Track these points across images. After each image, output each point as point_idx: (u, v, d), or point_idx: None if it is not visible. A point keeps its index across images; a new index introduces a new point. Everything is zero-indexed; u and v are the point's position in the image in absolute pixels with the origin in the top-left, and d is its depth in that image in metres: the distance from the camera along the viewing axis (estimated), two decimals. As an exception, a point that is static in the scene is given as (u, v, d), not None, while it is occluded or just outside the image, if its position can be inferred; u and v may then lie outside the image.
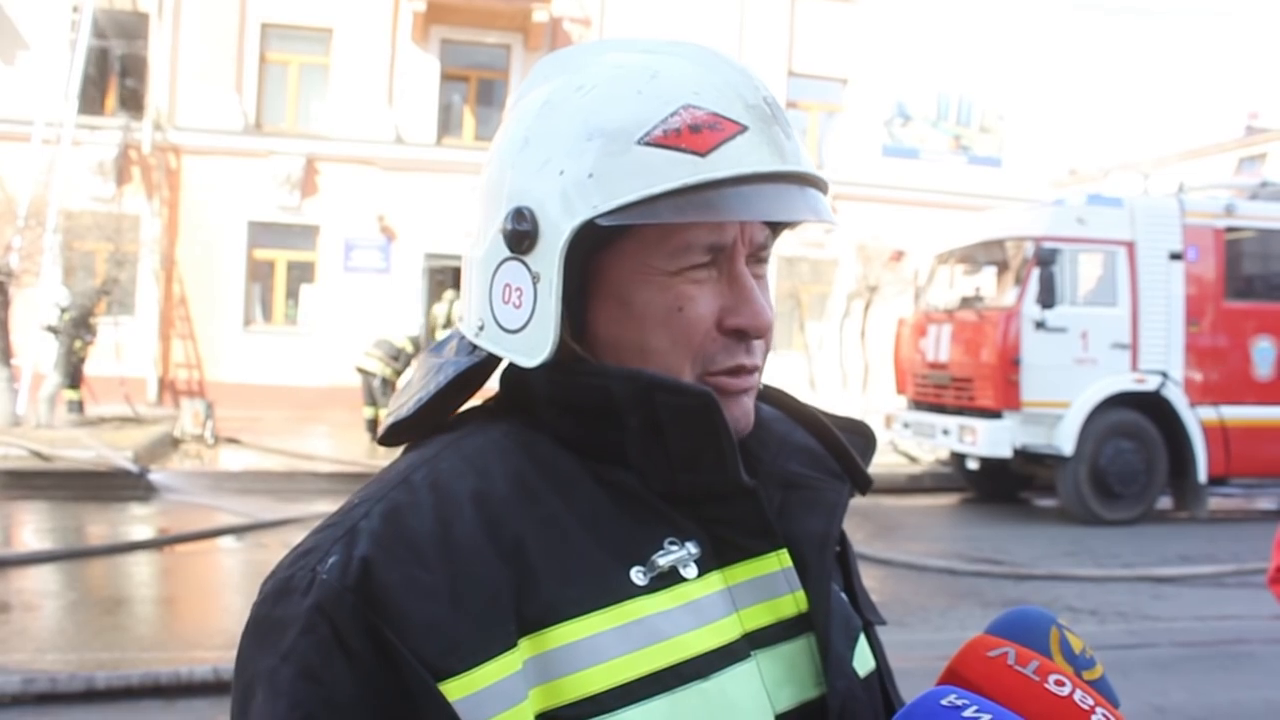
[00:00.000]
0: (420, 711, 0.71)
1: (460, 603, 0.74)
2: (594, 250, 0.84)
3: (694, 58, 0.86)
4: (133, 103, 17.90)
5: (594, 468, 0.85)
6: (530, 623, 0.76)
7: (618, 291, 0.85)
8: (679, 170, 0.80)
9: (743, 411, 0.88)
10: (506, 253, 0.85)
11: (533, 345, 0.84)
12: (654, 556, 0.81)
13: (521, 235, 0.83)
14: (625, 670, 0.76)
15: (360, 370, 14.27)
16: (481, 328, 0.89)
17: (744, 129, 0.82)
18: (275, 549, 8.19)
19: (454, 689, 0.72)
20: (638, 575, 0.80)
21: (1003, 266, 11.90)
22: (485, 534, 0.77)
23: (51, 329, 13.63)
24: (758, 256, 0.89)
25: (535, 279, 0.83)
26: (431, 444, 0.86)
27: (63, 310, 13.67)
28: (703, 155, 0.80)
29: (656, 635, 0.78)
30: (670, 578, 0.81)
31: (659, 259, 0.84)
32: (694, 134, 0.80)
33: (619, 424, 0.84)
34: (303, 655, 0.72)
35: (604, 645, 0.76)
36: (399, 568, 0.74)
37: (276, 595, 0.76)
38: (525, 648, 0.75)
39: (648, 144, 0.80)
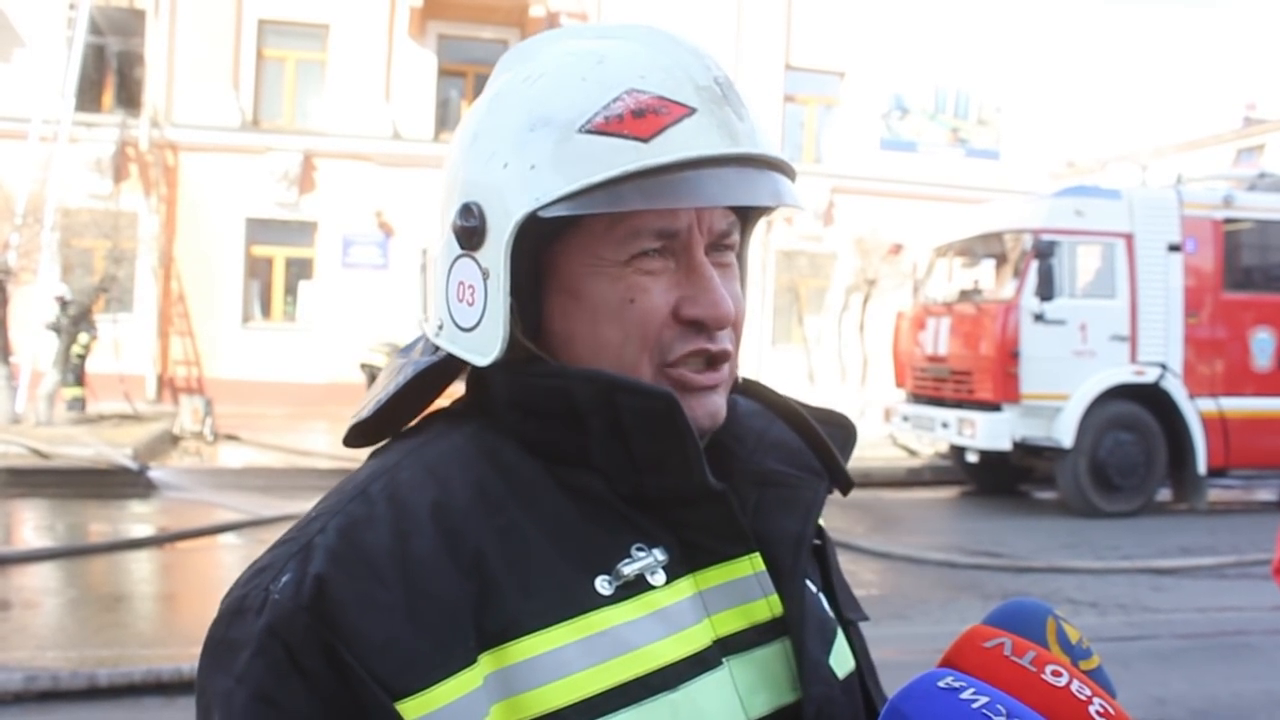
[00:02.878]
0: None
1: (418, 619, 0.72)
2: (544, 243, 0.82)
3: (645, 40, 0.84)
4: (130, 100, 17.89)
5: (558, 472, 0.82)
6: (491, 637, 0.73)
7: (569, 285, 0.83)
8: (620, 157, 0.77)
9: (710, 409, 0.85)
10: (459, 250, 0.84)
11: (484, 343, 0.83)
12: (620, 565, 0.79)
13: (470, 231, 0.82)
14: (590, 684, 0.74)
15: (366, 366, 14.27)
16: (441, 327, 0.87)
17: (691, 111, 0.79)
18: (275, 545, 8.19)
19: (412, 708, 0.70)
20: (603, 585, 0.78)
21: (1001, 259, 11.91)
22: (444, 547, 0.75)
23: (53, 326, 13.63)
24: (721, 245, 0.86)
25: (485, 275, 0.82)
26: (393, 450, 0.84)
27: (65, 304, 13.68)
28: (645, 141, 0.77)
29: (623, 646, 0.76)
30: (637, 586, 0.79)
31: (608, 249, 0.82)
32: (637, 119, 0.78)
33: (582, 427, 0.82)
34: (257, 678, 0.70)
35: (567, 658, 0.74)
36: (354, 585, 0.72)
37: (230, 615, 0.74)
38: (486, 663, 0.73)
39: (589, 132, 0.78)
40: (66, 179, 15.56)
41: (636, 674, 0.76)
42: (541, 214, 0.78)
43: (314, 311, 18.04)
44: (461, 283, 0.84)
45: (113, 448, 11.12)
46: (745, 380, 0.98)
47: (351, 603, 0.71)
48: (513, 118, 0.82)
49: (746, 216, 0.93)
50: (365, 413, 0.88)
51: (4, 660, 5.31)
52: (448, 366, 0.89)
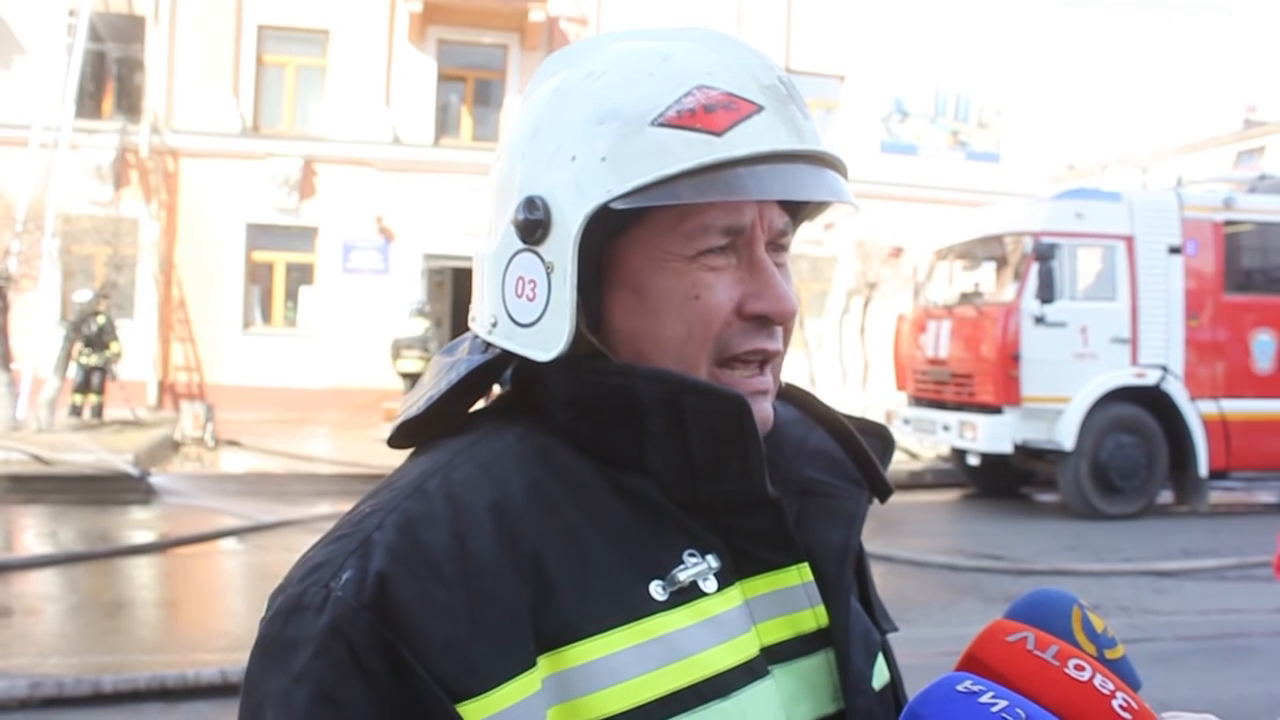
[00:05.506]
0: None
1: (479, 621, 0.71)
2: (608, 238, 0.82)
3: (705, 41, 0.85)
4: (130, 106, 17.89)
5: (611, 474, 0.82)
6: (548, 640, 0.73)
7: (633, 280, 0.83)
8: (695, 150, 0.78)
9: (761, 417, 0.84)
10: (519, 244, 0.83)
11: (548, 338, 0.82)
12: (674, 571, 0.79)
13: (534, 225, 0.81)
14: (644, 690, 0.74)
15: (404, 375, 14.23)
16: (495, 324, 0.86)
17: (760, 108, 0.80)
18: (277, 551, 8.20)
19: (473, 711, 0.70)
20: (657, 590, 0.78)
21: (1002, 262, 11.90)
22: (503, 548, 0.74)
23: (84, 326, 13.65)
24: (777, 244, 0.87)
25: (549, 270, 0.81)
26: (444, 448, 0.83)
27: (94, 307, 13.74)
28: (719, 135, 0.78)
29: (676, 653, 0.76)
30: (690, 592, 0.79)
31: (675, 243, 0.81)
32: (709, 114, 0.79)
33: (640, 428, 0.82)
34: (319, 676, 0.69)
35: (623, 664, 0.74)
36: (416, 584, 0.71)
37: (288, 613, 0.73)
38: (544, 666, 0.73)
39: (662, 125, 0.78)
40: (67, 186, 15.57)
41: (690, 681, 0.76)
42: (614, 206, 0.78)
43: (315, 317, 18.04)
44: (521, 278, 0.83)
45: (114, 454, 11.12)
46: (788, 385, 0.97)
47: (414, 603, 0.71)
48: (579, 112, 0.82)
49: (794, 217, 0.93)
50: (416, 410, 0.87)
51: (6, 667, 5.31)
52: (497, 365, 0.89)
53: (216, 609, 7.06)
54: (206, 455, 13.17)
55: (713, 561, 0.81)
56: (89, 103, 17.42)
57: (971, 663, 0.78)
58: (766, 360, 0.86)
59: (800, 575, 0.85)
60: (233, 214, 17.58)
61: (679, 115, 0.79)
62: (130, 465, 10.83)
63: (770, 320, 0.84)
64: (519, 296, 0.84)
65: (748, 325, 0.84)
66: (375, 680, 0.69)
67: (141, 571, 7.92)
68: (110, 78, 18.23)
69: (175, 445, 13.52)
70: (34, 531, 9.48)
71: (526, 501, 0.78)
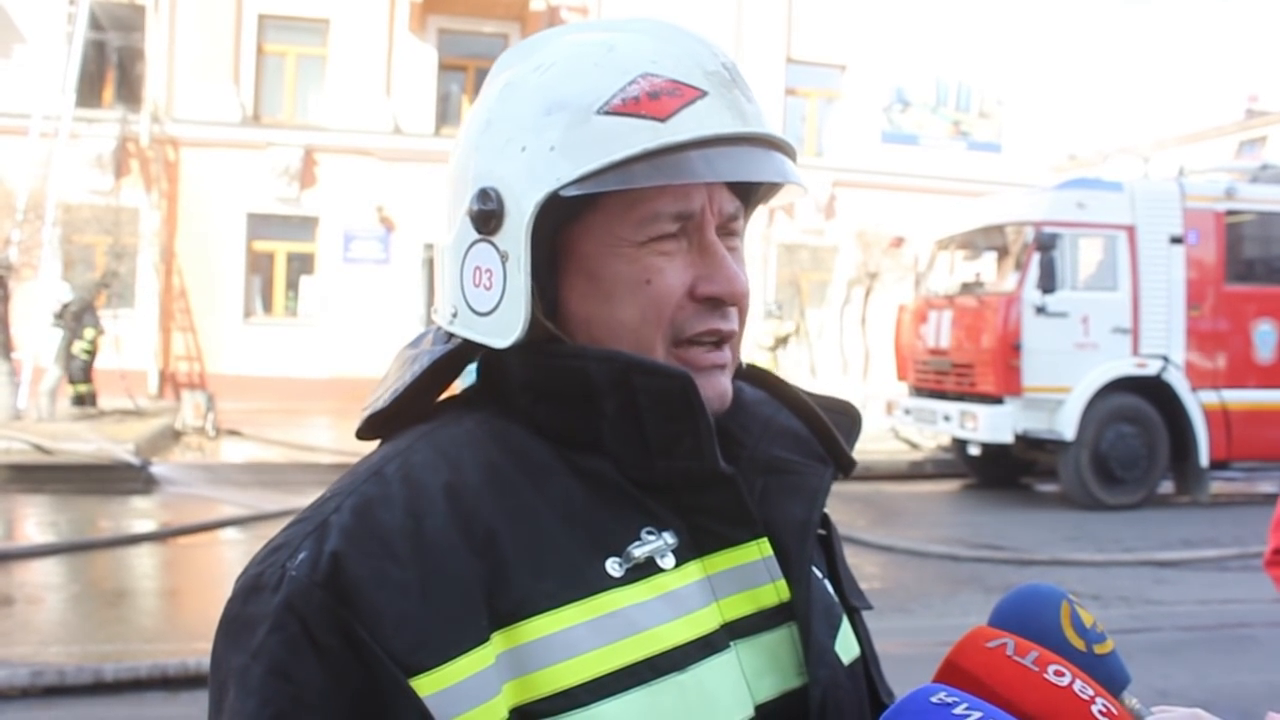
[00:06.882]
0: (391, 708, 0.71)
1: (431, 597, 0.73)
2: (562, 225, 0.84)
3: (651, 31, 0.87)
4: (130, 95, 17.88)
5: (570, 456, 0.84)
6: (503, 616, 0.75)
7: (587, 266, 0.85)
8: (639, 136, 0.80)
9: (719, 390, 0.87)
10: (474, 235, 0.85)
11: (504, 326, 0.84)
12: (630, 547, 0.80)
13: (488, 215, 0.83)
14: (599, 664, 0.76)
15: None
16: (455, 314, 0.88)
17: (703, 94, 0.82)
18: (278, 540, 8.20)
19: (425, 685, 0.71)
20: (613, 566, 0.79)
21: (1003, 252, 11.89)
22: (457, 527, 0.76)
23: (59, 323, 13.64)
24: (728, 228, 0.89)
25: (504, 258, 0.83)
26: (406, 435, 0.85)
27: (65, 305, 13.71)
28: (662, 120, 0.80)
29: (632, 627, 0.78)
30: (647, 568, 0.80)
31: (626, 230, 0.83)
32: (653, 100, 0.81)
33: (596, 409, 0.83)
34: (273, 653, 0.71)
35: (577, 639, 0.76)
36: (369, 562, 0.73)
37: (247, 593, 0.75)
38: (498, 642, 0.74)
39: (607, 113, 0.80)
40: (67, 175, 15.55)
41: (645, 655, 0.77)
42: (563, 193, 0.80)
43: (315, 306, 18.05)
44: (478, 268, 0.85)
45: (115, 443, 11.12)
46: (751, 367, 0.99)
47: (367, 580, 0.72)
48: (528, 104, 0.84)
49: (746, 203, 0.94)
50: (381, 403, 0.89)
51: (7, 655, 5.32)
52: (459, 355, 0.90)
53: (217, 598, 7.01)
54: (207, 445, 13.19)
55: (670, 538, 0.82)
56: (89, 92, 17.38)
57: (951, 669, 0.78)
58: (722, 340, 0.88)
59: (760, 550, 0.86)
60: (233, 203, 17.57)
61: (624, 103, 0.81)
62: (131, 455, 10.83)
63: (722, 301, 0.86)
64: (476, 286, 0.86)
65: (700, 307, 0.86)
66: (329, 656, 0.71)
67: (143, 560, 7.94)
68: (111, 67, 18.22)
69: (176, 435, 13.54)
70: (35, 521, 9.49)
71: (481, 482, 0.80)
